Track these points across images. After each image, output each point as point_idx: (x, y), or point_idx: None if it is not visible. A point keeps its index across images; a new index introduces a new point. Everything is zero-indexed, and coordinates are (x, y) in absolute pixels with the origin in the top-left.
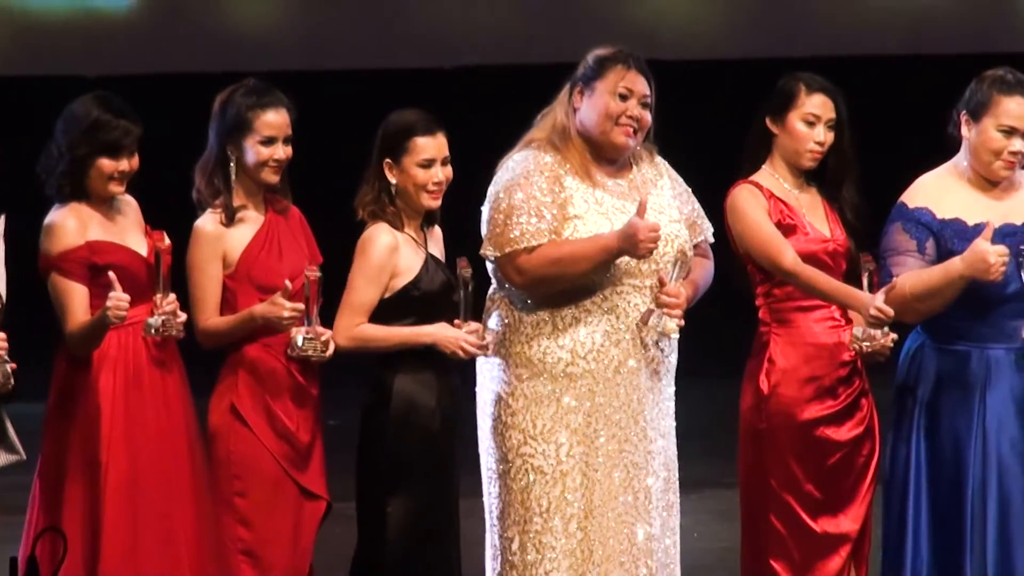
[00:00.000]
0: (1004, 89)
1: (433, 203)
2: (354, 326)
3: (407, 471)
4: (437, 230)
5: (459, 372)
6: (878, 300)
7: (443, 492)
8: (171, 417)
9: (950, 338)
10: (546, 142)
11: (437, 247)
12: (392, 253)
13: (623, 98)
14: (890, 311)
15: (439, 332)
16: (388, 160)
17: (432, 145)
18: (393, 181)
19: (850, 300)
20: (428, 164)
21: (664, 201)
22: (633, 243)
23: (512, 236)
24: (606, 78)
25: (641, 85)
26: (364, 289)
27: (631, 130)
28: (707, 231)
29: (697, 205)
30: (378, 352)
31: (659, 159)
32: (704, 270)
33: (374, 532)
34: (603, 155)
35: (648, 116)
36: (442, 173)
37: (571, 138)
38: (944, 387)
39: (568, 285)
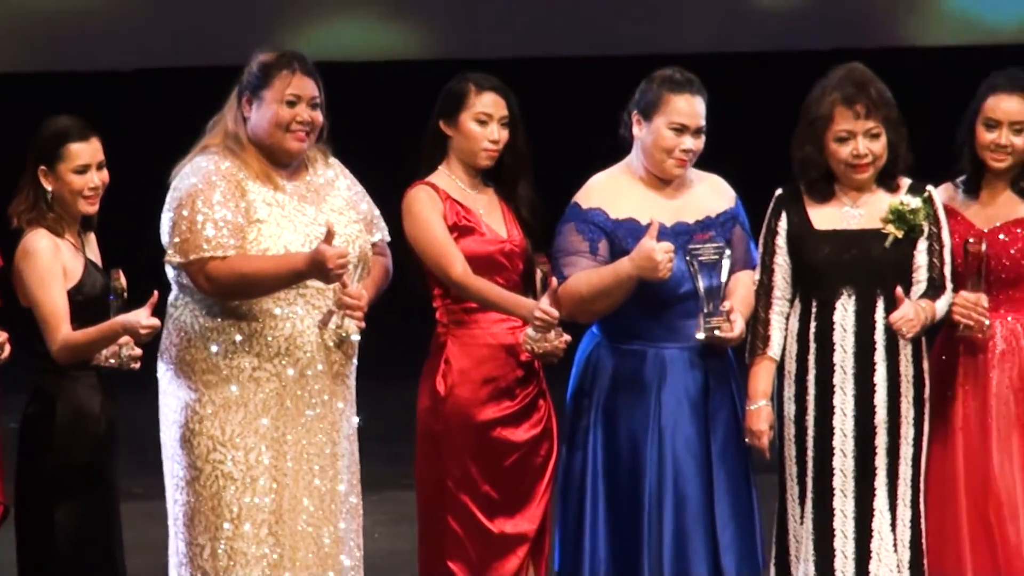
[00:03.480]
0: (674, 88)
1: (91, 208)
2: (62, 338)
3: (75, 478)
4: (92, 236)
5: (126, 377)
6: (543, 302)
7: (108, 498)
8: None
9: (625, 338)
10: (222, 148)
11: (93, 252)
12: (56, 254)
13: (291, 104)
14: (555, 313)
15: (130, 319)
16: (43, 167)
17: (87, 151)
18: (49, 188)
19: (518, 309)
20: (83, 170)
21: (342, 202)
22: (323, 270)
23: (199, 244)
24: (273, 86)
25: (309, 88)
26: (49, 298)
27: (303, 134)
28: (383, 230)
29: (373, 204)
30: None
31: (333, 159)
32: (383, 269)
33: (40, 541)
34: (277, 160)
35: (320, 117)
36: (98, 178)
37: (244, 145)
38: (620, 387)
39: (258, 296)
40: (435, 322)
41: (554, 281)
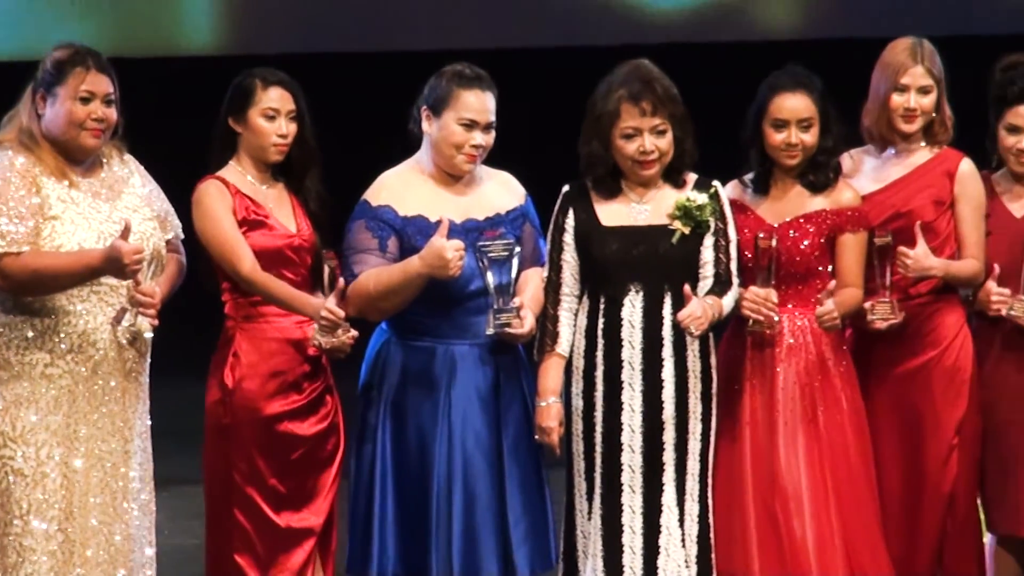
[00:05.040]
0: (463, 83)
1: None
2: None
3: None
4: None
5: None
6: (329, 302)
7: None
8: None
9: (414, 334)
10: (16, 143)
11: None
12: None
13: (85, 101)
14: (340, 312)
15: None
16: None
17: None
18: None
19: (305, 307)
20: None
21: (136, 200)
22: (118, 267)
23: None
24: (67, 83)
25: (103, 84)
26: None
27: (98, 131)
28: (177, 227)
29: (167, 202)
30: None
31: (128, 156)
32: (176, 266)
33: None
34: (72, 157)
35: (114, 114)
36: None
37: (39, 141)
38: (409, 383)
39: (52, 292)
40: (224, 316)
41: (341, 281)
